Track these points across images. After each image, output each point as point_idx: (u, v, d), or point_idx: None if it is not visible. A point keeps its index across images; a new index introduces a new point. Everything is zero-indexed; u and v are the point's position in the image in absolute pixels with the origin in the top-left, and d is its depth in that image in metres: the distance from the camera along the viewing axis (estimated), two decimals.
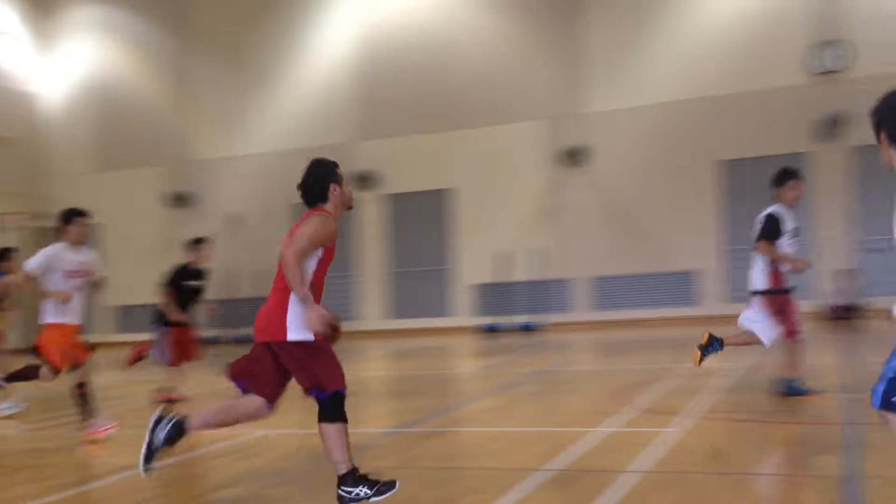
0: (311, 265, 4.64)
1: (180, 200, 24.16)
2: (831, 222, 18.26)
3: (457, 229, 21.53)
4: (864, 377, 9.08)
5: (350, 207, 4.97)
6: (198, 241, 10.12)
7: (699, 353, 7.89)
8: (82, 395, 7.42)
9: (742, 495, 4.75)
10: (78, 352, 7.45)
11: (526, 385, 10.27)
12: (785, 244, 7.70)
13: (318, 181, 4.84)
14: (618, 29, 20.04)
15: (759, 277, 7.76)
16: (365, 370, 14.06)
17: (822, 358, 11.56)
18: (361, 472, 4.67)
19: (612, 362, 13.07)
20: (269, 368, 4.69)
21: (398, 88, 21.94)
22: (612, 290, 19.81)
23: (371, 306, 22.39)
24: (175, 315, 9.70)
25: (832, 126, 17.94)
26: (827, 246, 18.19)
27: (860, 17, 18.05)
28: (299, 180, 4.87)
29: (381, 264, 22.34)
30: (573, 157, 20.15)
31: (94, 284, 7.62)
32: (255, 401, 4.71)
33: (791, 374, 7.77)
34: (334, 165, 4.93)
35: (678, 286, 19.34)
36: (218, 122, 24.09)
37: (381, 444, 6.85)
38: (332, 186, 4.83)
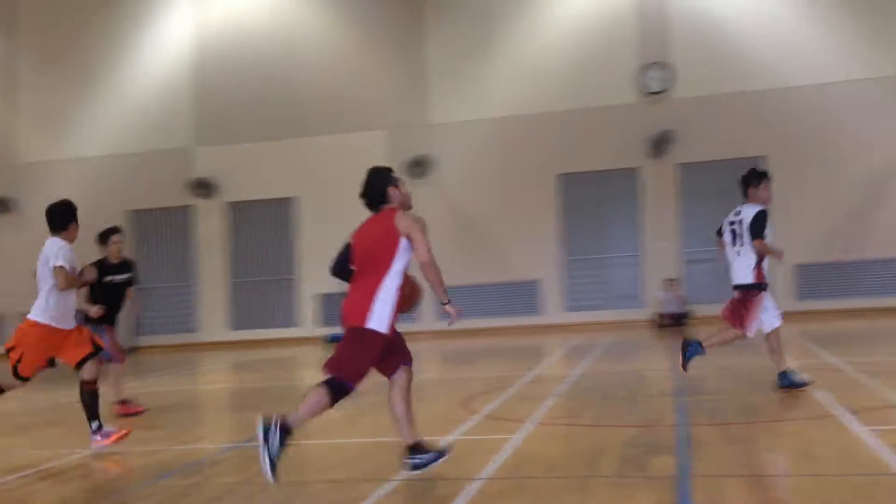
0: (407, 257, 5.24)
1: (0, 205, 22.57)
2: (660, 234, 19.27)
3: (300, 238, 21.22)
4: (692, 381, 9.60)
5: (409, 207, 5.42)
6: (109, 233, 9.30)
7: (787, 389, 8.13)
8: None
9: (582, 498, 4.88)
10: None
11: (372, 395, 10.18)
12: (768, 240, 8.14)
13: (378, 187, 5.44)
14: (459, 42, 20.39)
15: (746, 272, 8.15)
16: (205, 383, 13.57)
17: (655, 363, 12.15)
18: (286, 444, 4.92)
19: (458, 371, 13.22)
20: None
21: (239, 93, 21.42)
22: (456, 299, 19.90)
23: (212, 317, 21.69)
24: (94, 310, 8.89)
25: (661, 143, 18.95)
26: (657, 256, 19.18)
27: (683, 42, 19.18)
28: (361, 190, 5.44)
29: (222, 274, 21.69)
30: (417, 167, 20.30)
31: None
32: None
33: (707, 346, 8.20)
34: (389, 170, 5.50)
35: (521, 295, 19.84)
36: (44, 123, 22.69)
37: (222, 460, 6.61)
38: (391, 189, 5.41)
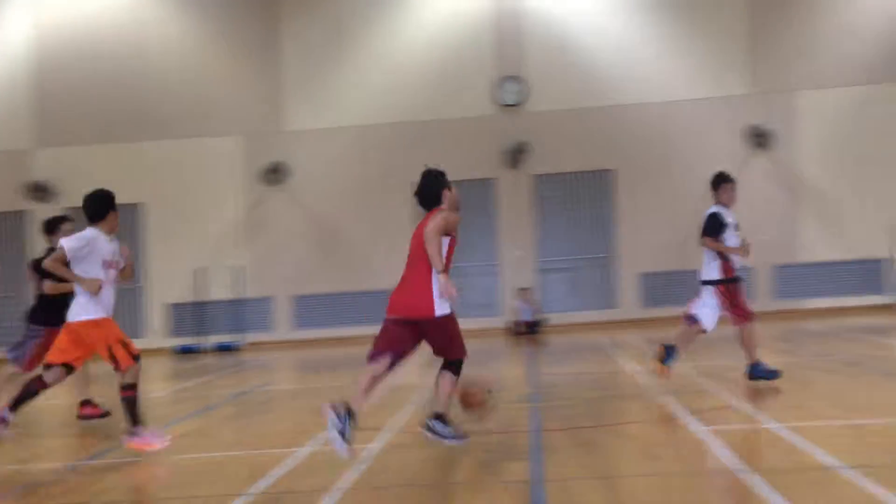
0: (443, 249, 5.92)
1: None
2: (517, 243, 19.72)
3: (148, 246, 20.40)
4: (544, 387, 9.86)
5: (458, 208, 6.14)
6: (59, 221, 8.47)
7: (660, 366, 8.67)
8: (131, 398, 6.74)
9: None
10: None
11: (225, 407, 9.92)
12: (730, 237, 8.57)
13: (433, 188, 6.16)
14: (318, 49, 20.19)
15: (709, 269, 8.62)
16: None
17: (511, 370, 12.40)
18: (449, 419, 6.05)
19: (314, 380, 13.04)
20: (406, 338, 6.09)
21: (85, 94, 20.39)
22: (313, 308, 19.81)
23: None
24: (49, 286, 8.08)
25: (517, 155, 19.41)
26: (513, 265, 19.61)
27: (538, 57, 19.73)
28: (415, 190, 6.20)
29: None
30: (274, 173, 19.94)
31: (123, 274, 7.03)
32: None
33: (754, 357, 8.51)
34: (443, 173, 6.20)
35: (379, 304, 19.73)
36: None
37: (61, 481, 6.23)
38: (444, 192, 6.11)
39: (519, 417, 7.84)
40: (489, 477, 5.56)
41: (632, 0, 19.56)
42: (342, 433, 5.62)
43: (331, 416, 5.67)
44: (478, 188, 19.82)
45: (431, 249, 5.77)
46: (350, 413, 5.71)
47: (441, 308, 5.95)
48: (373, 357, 6.05)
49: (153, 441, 6.72)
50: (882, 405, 7.56)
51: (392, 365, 6.10)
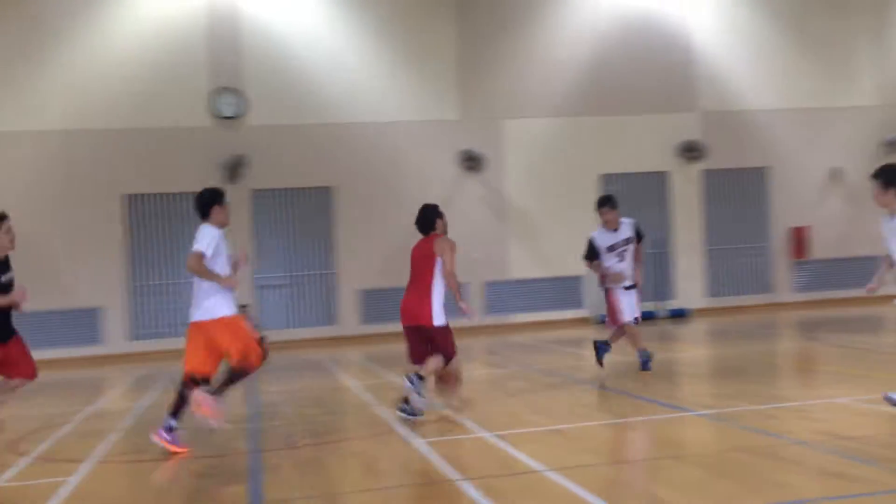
0: (437, 269, 7.62)
1: None
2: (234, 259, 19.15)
3: None
4: (264, 407, 9.63)
5: (445, 232, 7.84)
6: None
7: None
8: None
9: None
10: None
11: None
12: (607, 258, 9.65)
13: (431, 218, 7.88)
14: (12, 45, 18.29)
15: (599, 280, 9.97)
16: None
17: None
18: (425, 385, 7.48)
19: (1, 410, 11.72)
20: (417, 340, 7.69)
21: None
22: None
23: None
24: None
25: (235, 168, 18.90)
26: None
27: (256, 70, 19.37)
28: (416, 219, 7.96)
29: None
30: None
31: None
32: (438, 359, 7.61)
33: (611, 341, 9.95)
34: (437, 206, 8.04)
35: (81, 324, 18.29)
36: None
37: None
38: (438, 221, 7.90)
39: (237, 439, 7.58)
40: (204, 503, 5.29)
41: (351, 22, 19.86)
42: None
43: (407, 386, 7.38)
44: (192, 201, 19.03)
45: (453, 285, 7.51)
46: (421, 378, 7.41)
47: (438, 319, 7.56)
48: (414, 361, 7.68)
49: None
50: (578, 411, 8.22)
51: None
